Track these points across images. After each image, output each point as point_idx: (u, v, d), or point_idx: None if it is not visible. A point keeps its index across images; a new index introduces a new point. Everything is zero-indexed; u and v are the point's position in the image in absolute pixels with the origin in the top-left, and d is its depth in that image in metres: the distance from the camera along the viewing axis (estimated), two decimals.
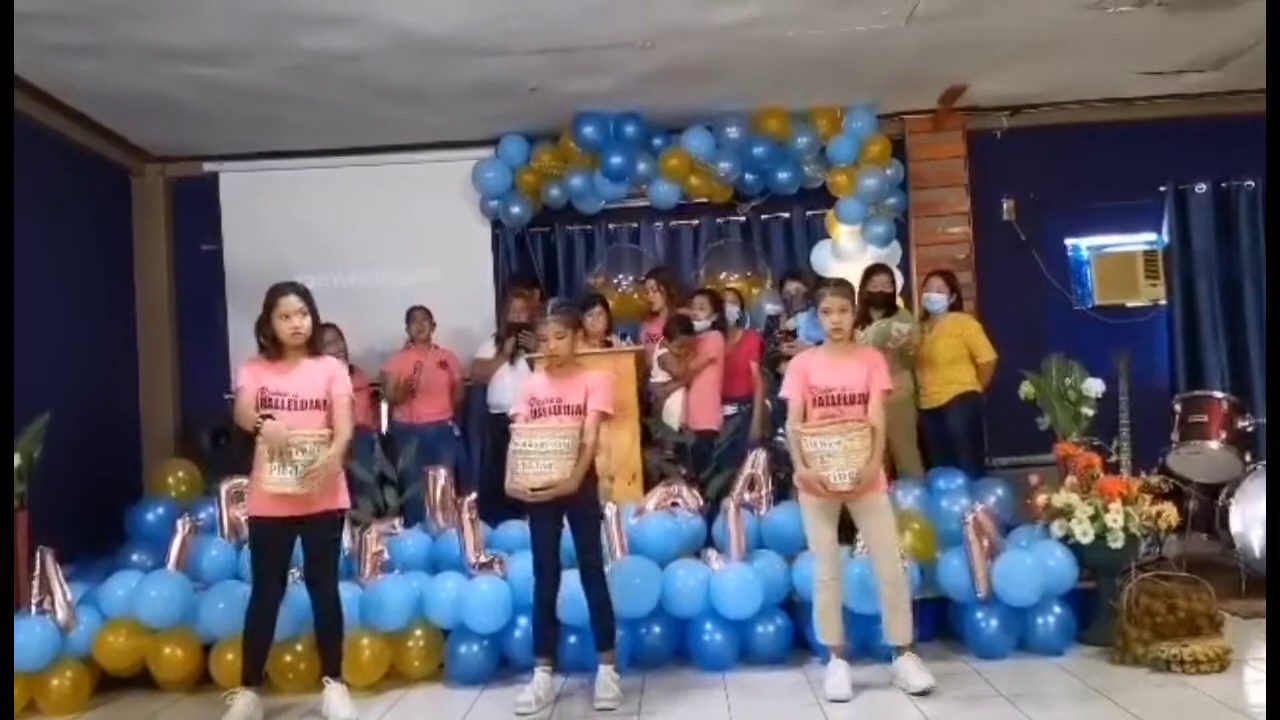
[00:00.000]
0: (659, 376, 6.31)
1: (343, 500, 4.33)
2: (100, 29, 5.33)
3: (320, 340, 4.36)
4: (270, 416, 4.08)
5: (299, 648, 4.60)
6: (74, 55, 5.64)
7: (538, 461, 4.18)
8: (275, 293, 4.22)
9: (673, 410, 6.23)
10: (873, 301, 6.25)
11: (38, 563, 4.66)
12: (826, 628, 4.34)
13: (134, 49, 5.60)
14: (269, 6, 5.17)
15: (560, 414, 4.32)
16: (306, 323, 4.19)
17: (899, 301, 6.69)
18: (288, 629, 4.48)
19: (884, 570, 4.29)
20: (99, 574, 5.12)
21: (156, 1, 5.05)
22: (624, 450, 5.68)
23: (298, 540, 4.25)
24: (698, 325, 6.32)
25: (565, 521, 4.35)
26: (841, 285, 4.47)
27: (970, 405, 6.03)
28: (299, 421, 4.11)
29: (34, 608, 4.62)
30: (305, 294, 4.25)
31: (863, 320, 5.94)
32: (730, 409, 6.32)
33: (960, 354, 6.04)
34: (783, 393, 4.39)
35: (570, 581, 4.42)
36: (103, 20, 5.23)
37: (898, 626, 4.30)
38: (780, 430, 5.99)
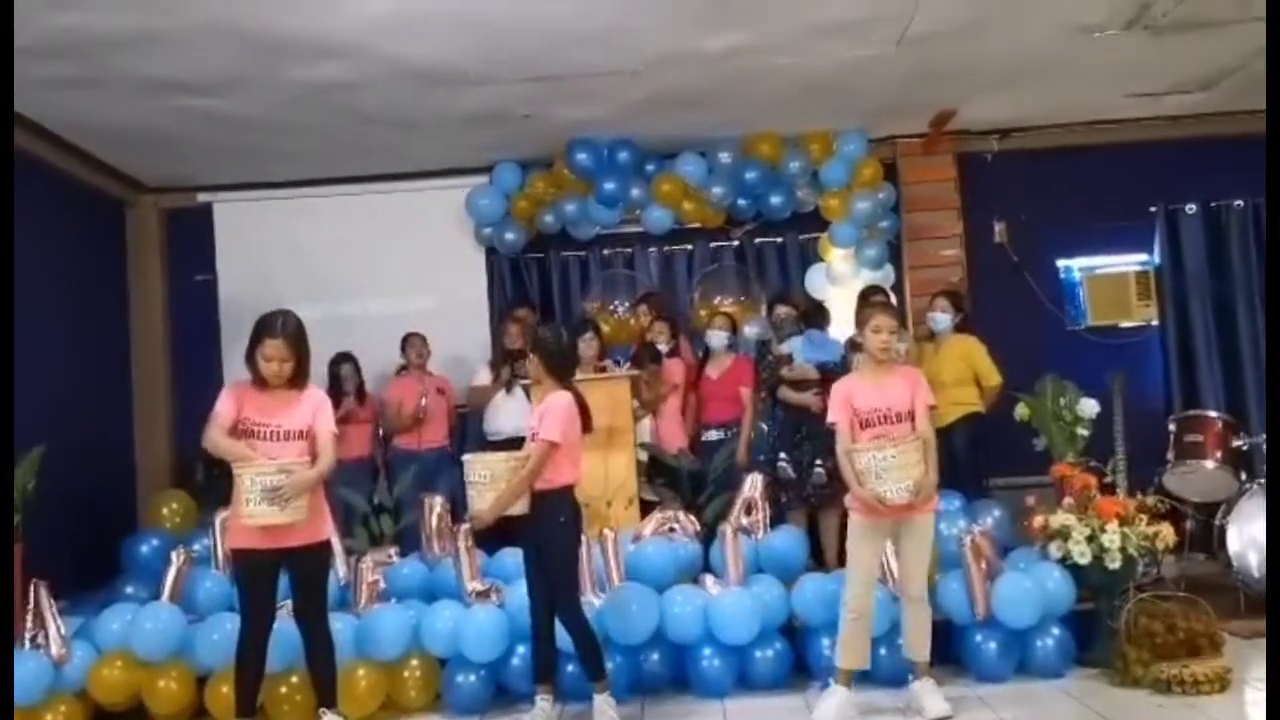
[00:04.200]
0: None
1: (325, 531, 4.25)
2: (94, 62, 5.35)
3: (305, 377, 4.20)
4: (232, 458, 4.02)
5: (294, 679, 4.56)
6: (67, 88, 5.66)
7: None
8: (261, 331, 4.09)
9: (640, 436, 6.23)
10: None
11: (31, 596, 4.63)
12: (850, 652, 4.28)
13: (128, 81, 5.62)
14: (263, 38, 5.19)
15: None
16: (288, 367, 4.09)
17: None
18: (282, 660, 4.44)
19: (913, 588, 4.29)
20: (93, 607, 5.08)
21: (150, 34, 5.08)
22: (620, 476, 5.68)
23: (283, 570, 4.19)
24: (661, 350, 6.37)
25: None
26: (889, 306, 4.50)
27: (974, 426, 6.08)
28: (281, 452, 4.05)
29: (28, 641, 4.58)
30: (292, 335, 4.08)
31: (856, 344, 5.95)
32: (720, 434, 6.31)
33: (966, 375, 6.09)
34: (830, 418, 4.37)
35: None
36: (96, 53, 5.25)
37: (919, 643, 4.30)
38: (776, 454, 5.98)
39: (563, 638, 4.42)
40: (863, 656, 4.31)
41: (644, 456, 6.02)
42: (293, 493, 3.95)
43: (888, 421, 4.22)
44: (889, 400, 4.25)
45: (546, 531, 4.29)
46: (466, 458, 4.41)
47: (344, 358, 6.67)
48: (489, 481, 4.22)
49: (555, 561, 4.33)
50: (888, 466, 4.10)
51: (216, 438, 4.05)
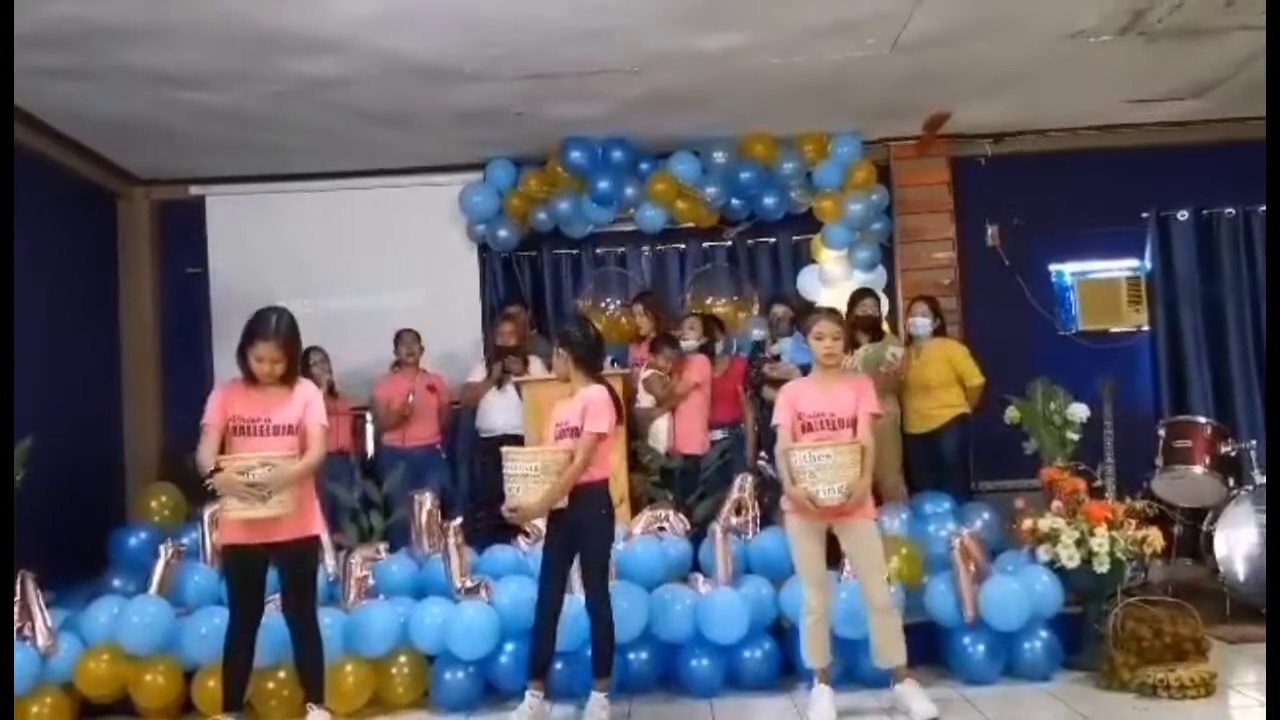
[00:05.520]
0: (644, 401, 6.30)
1: (314, 526, 4.24)
2: (87, 53, 5.33)
3: (296, 374, 4.20)
4: (219, 469, 3.94)
5: (281, 674, 4.55)
6: (61, 79, 5.63)
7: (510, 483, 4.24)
8: (254, 331, 4.06)
9: (658, 435, 6.22)
10: (860, 326, 6.30)
11: (18, 587, 4.61)
12: (813, 651, 4.33)
13: (122, 73, 5.60)
14: (257, 32, 5.17)
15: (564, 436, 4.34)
16: (280, 367, 4.07)
17: (884, 326, 6.74)
18: (269, 656, 4.43)
19: (874, 597, 4.26)
20: (81, 599, 5.07)
21: (145, 26, 5.06)
22: (611, 474, 5.66)
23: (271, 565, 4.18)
24: (685, 346, 6.34)
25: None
26: (833, 312, 4.58)
27: (963, 428, 6.14)
28: (271, 446, 4.03)
29: (14, 633, 4.56)
30: (285, 336, 4.06)
31: (849, 345, 5.97)
32: (718, 434, 6.32)
33: (950, 378, 6.14)
34: (774, 420, 4.39)
35: (569, 606, 4.41)
36: (90, 44, 5.23)
37: (890, 650, 4.27)
38: (765, 455, 5.99)
39: (567, 636, 4.42)
40: (824, 654, 4.33)
41: (650, 458, 6.01)
42: (275, 487, 3.93)
43: (829, 426, 4.24)
44: (833, 406, 4.26)
45: (588, 524, 4.28)
46: (507, 450, 4.35)
47: (313, 350, 6.51)
48: (540, 474, 4.17)
49: (594, 554, 4.33)
50: (822, 466, 4.11)
51: (207, 460, 4.01)
